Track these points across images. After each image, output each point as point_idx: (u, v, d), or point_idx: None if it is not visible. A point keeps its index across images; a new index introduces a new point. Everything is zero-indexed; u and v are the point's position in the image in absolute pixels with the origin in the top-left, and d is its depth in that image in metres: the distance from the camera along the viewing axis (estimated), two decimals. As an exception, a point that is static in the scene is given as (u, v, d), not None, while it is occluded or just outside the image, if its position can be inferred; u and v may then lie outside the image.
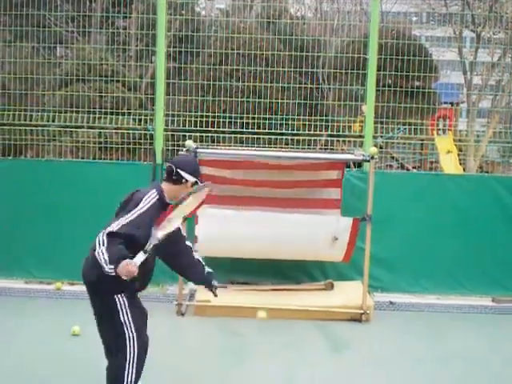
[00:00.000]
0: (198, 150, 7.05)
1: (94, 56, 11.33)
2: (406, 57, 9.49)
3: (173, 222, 4.06)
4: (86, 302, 7.57)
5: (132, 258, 3.86)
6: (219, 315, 6.99)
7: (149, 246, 3.92)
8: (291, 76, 11.23)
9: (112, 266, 3.83)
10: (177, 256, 4.49)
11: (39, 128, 9.05)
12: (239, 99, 9.79)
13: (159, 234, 3.96)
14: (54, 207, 8.17)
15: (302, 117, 9.33)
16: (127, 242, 3.94)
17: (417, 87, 10.43)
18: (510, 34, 13.13)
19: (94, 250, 3.98)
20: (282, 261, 7.64)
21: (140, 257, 3.90)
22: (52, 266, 8.15)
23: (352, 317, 7.16)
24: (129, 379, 4.14)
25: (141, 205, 4.06)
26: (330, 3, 17.41)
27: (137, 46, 11.91)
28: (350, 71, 10.16)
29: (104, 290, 4.12)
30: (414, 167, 13.81)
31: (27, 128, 8.91)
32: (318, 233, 7.23)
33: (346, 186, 7.86)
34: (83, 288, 7.92)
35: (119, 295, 4.12)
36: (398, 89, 9.60)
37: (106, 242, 3.93)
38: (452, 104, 15.81)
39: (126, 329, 4.14)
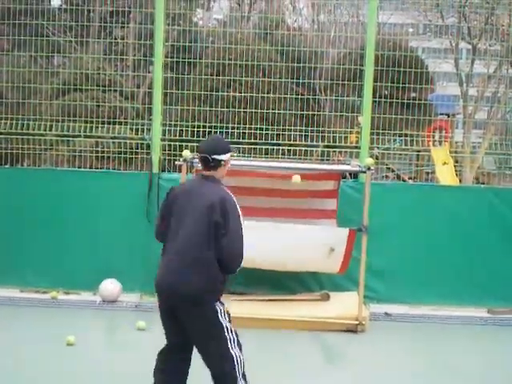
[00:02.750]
0: (195, 160, 7.05)
1: (92, 65, 11.34)
2: (402, 68, 9.53)
3: None
4: (81, 311, 7.60)
5: None
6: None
7: None
8: (288, 87, 11.27)
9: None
10: None
11: (36, 137, 9.05)
12: (236, 109, 9.82)
13: None
14: (51, 216, 8.17)
15: (298, 127, 9.34)
16: None
17: (413, 98, 10.47)
18: (506, 46, 13.19)
19: (200, 264, 4.09)
20: (279, 271, 7.64)
21: None
22: (48, 275, 8.13)
23: (347, 327, 7.16)
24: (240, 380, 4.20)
25: (238, 213, 4.22)
26: (327, 14, 17.49)
27: (134, 55, 11.92)
28: (346, 82, 10.20)
29: (208, 299, 4.13)
30: (410, 178, 13.82)
31: (24, 137, 8.91)
32: (314, 243, 7.23)
33: (341, 196, 7.89)
34: (79, 297, 8.02)
35: (218, 302, 4.17)
36: (394, 100, 9.62)
37: (241, 261, 4.17)
38: (448, 115, 15.86)
39: (227, 333, 4.16)
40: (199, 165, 4.49)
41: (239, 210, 4.23)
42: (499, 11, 13.82)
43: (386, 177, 12.66)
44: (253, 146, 9.30)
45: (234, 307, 7.23)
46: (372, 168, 7.34)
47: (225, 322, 4.14)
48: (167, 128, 8.74)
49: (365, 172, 7.34)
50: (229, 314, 4.23)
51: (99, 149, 9.17)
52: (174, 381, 4.28)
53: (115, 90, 11.24)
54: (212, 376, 4.17)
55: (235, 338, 4.18)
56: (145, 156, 8.88)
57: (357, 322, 7.13)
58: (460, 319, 7.83)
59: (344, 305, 7.44)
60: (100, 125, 9.32)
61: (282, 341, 6.75)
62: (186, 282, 4.06)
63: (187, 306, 4.07)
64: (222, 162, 4.34)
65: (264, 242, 7.13)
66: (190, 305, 4.06)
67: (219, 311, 4.14)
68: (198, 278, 4.06)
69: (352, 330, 7.15)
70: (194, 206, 4.18)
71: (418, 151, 12.50)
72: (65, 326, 6.85)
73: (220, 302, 4.18)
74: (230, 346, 4.12)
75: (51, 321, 7.14)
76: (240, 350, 4.21)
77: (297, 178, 7.29)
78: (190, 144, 8.37)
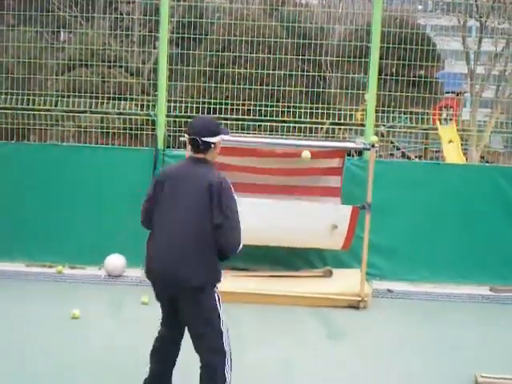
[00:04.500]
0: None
1: (98, 41, 11.32)
2: (408, 46, 9.48)
3: None
4: (86, 285, 7.68)
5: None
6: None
7: None
8: (294, 63, 11.22)
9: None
10: None
11: (42, 112, 9.08)
12: (242, 86, 9.80)
13: None
14: (57, 191, 8.23)
15: (304, 104, 9.32)
16: None
17: (419, 76, 10.41)
18: (515, 25, 13.10)
19: (199, 249, 4.00)
20: (281, 247, 7.69)
21: None
22: (53, 250, 8.21)
23: (350, 304, 7.21)
24: (229, 376, 4.12)
25: (234, 198, 4.10)
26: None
27: (140, 31, 11.89)
28: (352, 59, 10.16)
29: (208, 284, 4.06)
30: (416, 157, 13.79)
31: (30, 112, 8.94)
32: (317, 220, 7.27)
33: (346, 174, 7.90)
34: (84, 272, 8.10)
35: (215, 288, 4.12)
36: (400, 78, 9.58)
37: (240, 247, 4.07)
38: (458, 94, 15.76)
39: (221, 325, 4.08)
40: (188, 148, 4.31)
41: (234, 193, 4.10)
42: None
43: (391, 155, 12.63)
44: (258, 123, 9.31)
45: (238, 283, 7.34)
46: (376, 145, 7.35)
47: (221, 313, 4.08)
48: (172, 104, 8.74)
49: (369, 149, 7.34)
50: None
51: (105, 125, 9.18)
52: (168, 362, 4.34)
53: (121, 66, 11.22)
54: (201, 364, 4.11)
55: (228, 334, 4.13)
56: (150, 132, 8.90)
57: (359, 299, 7.18)
58: (462, 297, 7.87)
59: (346, 281, 7.49)
60: (106, 101, 9.35)
61: (284, 316, 6.80)
62: (187, 271, 3.97)
63: (188, 294, 4.00)
64: (212, 145, 4.14)
65: (268, 219, 7.18)
66: (191, 293, 3.99)
67: (217, 299, 4.08)
68: (200, 267, 3.98)
69: (354, 306, 7.20)
70: (188, 191, 4.05)
71: (426, 129, 12.47)
72: (70, 300, 6.93)
73: (217, 289, 4.13)
74: (224, 341, 4.08)
75: (57, 295, 7.22)
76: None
77: (307, 154, 7.30)
78: (194, 120, 8.36)
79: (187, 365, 4.31)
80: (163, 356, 4.32)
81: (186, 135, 4.24)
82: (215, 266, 4.08)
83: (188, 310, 4.07)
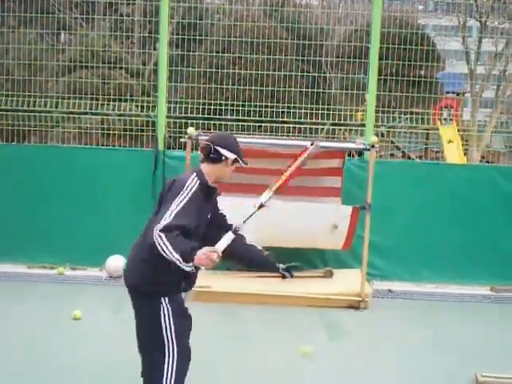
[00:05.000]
0: (200, 138, 7.08)
1: (98, 42, 11.35)
2: (408, 46, 9.49)
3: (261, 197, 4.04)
4: (87, 287, 7.69)
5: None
6: (219, 301, 7.05)
7: (240, 226, 3.80)
8: (294, 64, 11.23)
9: (187, 260, 3.46)
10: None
11: (43, 114, 9.11)
12: (242, 87, 9.81)
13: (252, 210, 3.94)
14: (57, 193, 8.24)
15: (304, 105, 9.33)
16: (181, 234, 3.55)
17: (419, 76, 10.42)
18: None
19: (141, 250, 3.77)
20: (282, 248, 7.68)
21: (224, 242, 3.66)
22: (54, 251, 8.22)
23: (350, 304, 7.21)
24: None
25: (183, 194, 3.64)
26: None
27: (140, 32, 11.91)
28: (353, 60, 10.17)
29: (149, 293, 3.76)
30: (417, 157, 13.80)
31: (31, 114, 8.97)
32: (318, 221, 7.28)
33: (346, 174, 7.90)
34: (85, 273, 8.11)
35: (164, 298, 3.73)
36: (400, 78, 9.59)
37: (164, 238, 3.49)
38: (458, 94, 15.77)
39: (166, 336, 3.74)
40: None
41: (185, 188, 3.67)
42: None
43: (392, 155, 12.64)
44: (258, 124, 9.31)
45: (239, 284, 7.35)
46: (376, 146, 7.35)
47: (167, 330, 3.74)
48: (173, 105, 8.76)
49: (369, 150, 7.35)
50: (184, 317, 3.86)
51: (105, 126, 9.20)
52: None
53: (121, 68, 11.24)
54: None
55: (174, 360, 3.74)
56: (150, 133, 8.92)
57: (359, 299, 7.19)
58: (463, 297, 7.87)
59: (347, 282, 7.50)
60: (106, 102, 9.37)
61: (285, 317, 6.81)
62: (130, 272, 3.86)
63: (132, 297, 3.88)
64: (223, 158, 3.81)
65: (268, 219, 7.18)
66: (132, 296, 3.87)
67: (163, 311, 3.73)
68: (138, 267, 3.79)
69: (355, 306, 7.20)
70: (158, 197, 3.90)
71: (427, 129, 12.48)
72: (71, 301, 6.94)
73: (170, 300, 3.74)
74: (165, 370, 3.74)
75: (58, 296, 7.23)
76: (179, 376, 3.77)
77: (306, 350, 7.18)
78: (195, 121, 8.40)
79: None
80: None
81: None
82: (156, 267, 3.67)
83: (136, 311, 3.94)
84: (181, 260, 3.45)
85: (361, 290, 7.20)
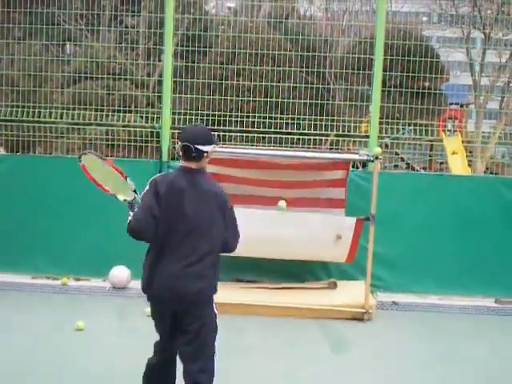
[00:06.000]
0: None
1: (103, 54, 11.39)
2: (412, 58, 9.50)
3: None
4: (91, 297, 7.69)
5: None
6: (222, 313, 7.00)
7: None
8: (298, 75, 11.26)
9: None
10: None
11: (48, 125, 9.13)
12: (246, 98, 9.83)
13: None
14: (62, 203, 8.25)
15: (309, 116, 9.35)
16: None
17: (423, 88, 10.43)
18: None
19: (209, 261, 4.06)
20: (286, 260, 7.69)
21: None
22: (58, 262, 8.23)
23: (354, 316, 7.19)
24: None
25: (231, 205, 4.18)
26: (339, 3, 17.43)
27: (145, 44, 11.97)
28: (356, 71, 10.19)
29: (209, 300, 4.16)
30: (421, 168, 13.80)
31: (36, 125, 8.99)
32: (321, 232, 7.28)
33: (350, 185, 7.89)
34: (89, 283, 8.11)
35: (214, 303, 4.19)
36: (404, 89, 9.61)
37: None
38: (462, 105, 15.79)
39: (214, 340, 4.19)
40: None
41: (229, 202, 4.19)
42: (512, 0, 13.74)
43: (395, 166, 12.64)
44: (262, 135, 9.33)
45: (244, 295, 7.34)
46: (380, 157, 7.36)
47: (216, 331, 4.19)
48: (177, 116, 8.77)
49: (373, 161, 7.35)
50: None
51: (110, 137, 9.23)
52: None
53: (126, 79, 11.30)
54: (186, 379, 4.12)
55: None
56: (155, 144, 8.93)
57: (363, 311, 7.17)
58: (467, 309, 7.84)
59: (351, 293, 7.48)
60: (111, 113, 9.39)
61: (289, 328, 6.80)
62: (194, 284, 4.02)
63: (193, 307, 4.09)
64: (205, 154, 4.06)
65: (272, 231, 7.19)
66: (194, 307, 4.09)
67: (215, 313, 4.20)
68: (210, 278, 4.10)
69: (359, 318, 7.18)
70: (197, 206, 4.02)
71: (431, 141, 12.48)
72: (75, 311, 6.94)
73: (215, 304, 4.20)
74: (215, 360, 4.15)
75: (61, 306, 7.23)
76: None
77: (282, 204, 7.25)
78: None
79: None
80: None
81: (178, 142, 4.14)
82: (218, 274, 4.19)
83: (189, 323, 4.07)
84: None
85: (365, 302, 7.18)
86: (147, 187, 4.09)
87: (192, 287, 4.00)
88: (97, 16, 10.70)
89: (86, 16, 11.19)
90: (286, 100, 10.00)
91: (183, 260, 3.99)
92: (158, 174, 4.31)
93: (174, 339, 4.15)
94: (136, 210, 4.14)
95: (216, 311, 4.19)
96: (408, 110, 9.48)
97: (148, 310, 6.81)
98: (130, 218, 4.12)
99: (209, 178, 4.24)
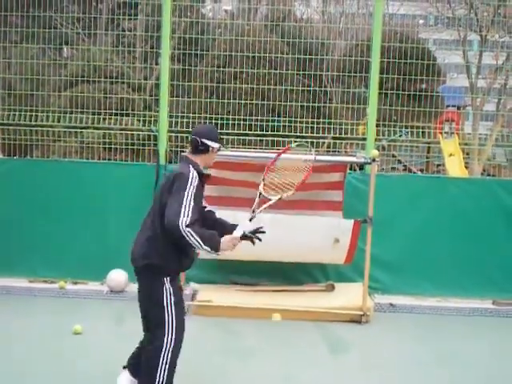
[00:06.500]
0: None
1: (100, 57, 11.40)
2: (409, 60, 9.52)
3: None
4: (88, 301, 7.68)
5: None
6: (220, 315, 7.04)
7: (253, 216, 4.45)
8: (295, 78, 11.27)
9: (215, 249, 4.17)
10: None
11: (45, 128, 9.13)
12: (243, 101, 9.84)
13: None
14: (59, 207, 8.24)
15: (306, 119, 9.35)
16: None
17: (420, 90, 10.45)
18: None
19: (150, 237, 4.29)
20: (284, 262, 7.69)
21: (240, 229, 4.33)
22: (56, 265, 8.22)
23: (352, 318, 7.19)
24: (163, 367, 4.25)
25: (190, 188, 4.19)
26: (335, 6, 17.44)
27: (142, 47, 11.98)
28: (353, 74, 10.20)
29: (156, 271, 4.29)
30: (418, 170, 13.81)
31: (33, 128, 8.99)
32: (319, 235, 7.27)
33: (347, 188, 7.90)
34: (86, 287, 8.10)
35: (166, 278, 4.28)
36: (401, 92, 9.62)
37: (193, 233, 4.07)
38: (459, 108, 15.81)
39: (167, 315, 4.28)
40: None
41: (190, 182, 4.21)
42: (508, 3, 13.76)
43: (393, 168, 12.65)
44: (260, 138, 9.33)
45: (240, 298, 7.34)
46: (377, 159, 7.36)
47: (170, 309, 4.28)
48: (174, 120, 8.78)
49: (370, 163, 7.36)
50: (180, 297, 4.37)
51: (107, 140, 9.23)
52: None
53: (123, 82, 11.28)
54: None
55: (173, 337, 4.27)
56: (152, 147, 8.94)
57: (361, 313, 7.17)
58: (465, 311, 7.85)
59: (349, 295, 7.48)
60: (108, 116, 9.40)
61: (287, 331, 6.80)
62: (137, 251, 4.35)
63: (136, 273, 4.38)
64: (210, 149, 4.43)
65: (269, 233, 7.16)
66: (137, 273, 4.38)
67: (165, 290, 4.27)
68: (148, 250, 4.29)
69: (356, 320, 7.18)
70: (160, 188, 4.39)
71: (428, 143, 12.49)
72: (72, 315, 6.92)
73: (171, 282, 4.29)
74: (166, 333, 4.26)
75: (59, 310, 7.21)
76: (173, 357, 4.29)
77: (277, 317, 7.26)
78: (197, 136, 8.39)
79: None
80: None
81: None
82: (168, 254, 4.25)
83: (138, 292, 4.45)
84: (209, 249, 4.13)
85: (362, 304, 7.18)
86: None
87: (138, 253, 4.37)
88: (94, 19, 10.71)
89: (83, 19, 11.20)
90: (282, 103, 10.02)
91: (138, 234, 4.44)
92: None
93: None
94: None
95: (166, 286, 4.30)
96: (405, 113, 9.50)
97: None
98: None
99: (187, 163, 4.37)
